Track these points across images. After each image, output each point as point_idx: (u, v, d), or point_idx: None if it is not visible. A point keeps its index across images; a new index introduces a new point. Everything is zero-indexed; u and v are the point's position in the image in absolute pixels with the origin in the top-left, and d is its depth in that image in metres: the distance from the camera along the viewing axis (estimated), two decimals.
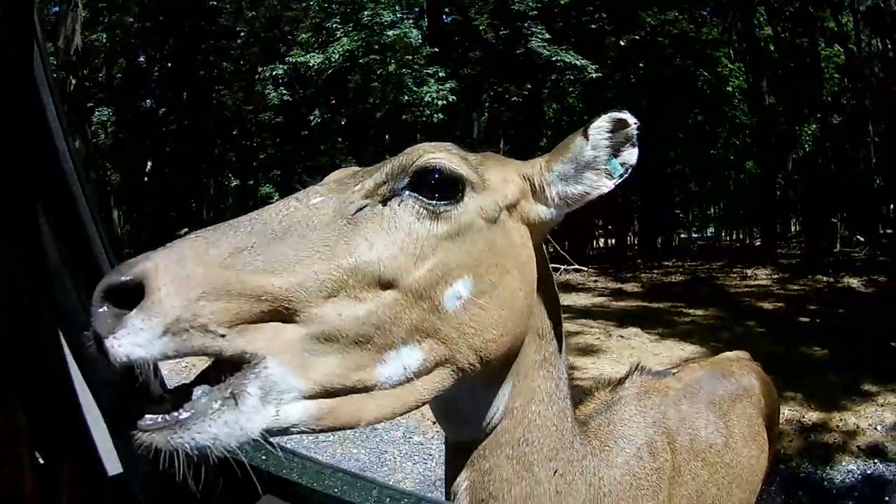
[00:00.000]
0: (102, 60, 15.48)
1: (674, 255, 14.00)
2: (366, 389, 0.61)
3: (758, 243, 15.62)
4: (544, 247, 0.81)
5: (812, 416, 4.17)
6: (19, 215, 0.74)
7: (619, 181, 0.74)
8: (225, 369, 0.57)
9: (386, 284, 0.62)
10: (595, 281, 11.54)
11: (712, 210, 16.52)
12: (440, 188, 0.67)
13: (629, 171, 0.74)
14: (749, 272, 11.81)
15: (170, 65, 13.42)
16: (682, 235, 16.68)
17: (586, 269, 12.15)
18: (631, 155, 0.74)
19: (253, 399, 0.56)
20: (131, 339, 0.53)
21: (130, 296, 0.54)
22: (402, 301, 0.63)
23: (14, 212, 0.73)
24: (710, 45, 15.02)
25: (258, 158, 11.51)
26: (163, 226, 11.83)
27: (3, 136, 0.72)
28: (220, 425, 0.55)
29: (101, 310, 0.54)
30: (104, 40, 15.73)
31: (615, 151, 0.75)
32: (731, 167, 15.45)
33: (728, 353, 1.71)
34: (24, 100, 0.74)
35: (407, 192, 0.67)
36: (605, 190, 0.75)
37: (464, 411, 0.76)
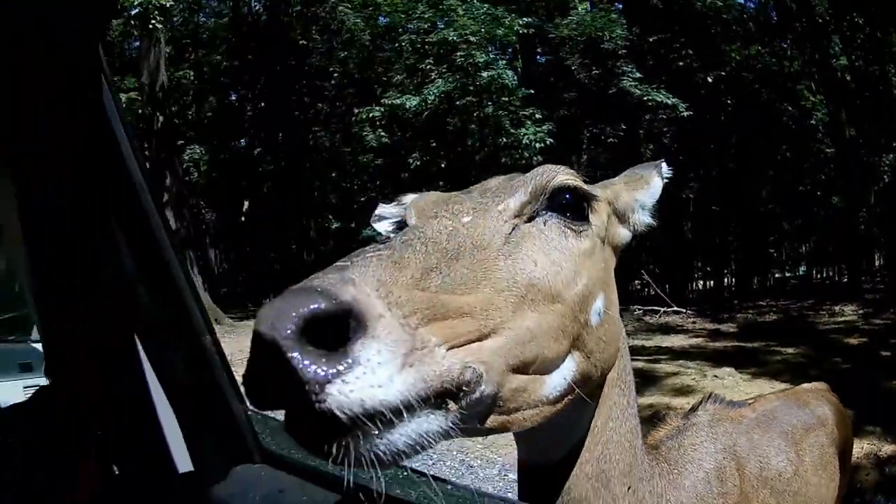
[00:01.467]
0: (191, 98, 15.92)
1: (768, 295, 13.83)
2: (535, 402, 0.63)
3: (845, 279, 15.35)
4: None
5: (888, 448, 4.16)
6: (97, 228, 0.82)
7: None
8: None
9: (553, 298, 0.65)
10: (693, 322, 11.67)
11: (803, 248, 16.24)
12: (572, 208, 0.71)
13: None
14: (837, 308, 11.86)
15: (263, 104, 13.71)
16: (777, 275, 16.47)
17: (685, 310, 12.09)
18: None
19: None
20: (368, 380, 0.44)
21: (333, 330, 0.44)
22: (567, 314, 0.66)
23: (91, 225, 0.82)
24: (793, 78, 14.83)
25: (359, 201, 11.65)
26: (260, 266, 11.93)
27: (77, 161, 0.79)
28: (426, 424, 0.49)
29: (297, 353, 0.42)
30: (191, 77, 16.19)
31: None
32: (818, 203, 15.19)
33: (806, 385, 1.75)
34: (94, 124, 0.79)
35: (548, 212, 0.70)
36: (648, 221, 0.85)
37: (556, 431, 0.75)
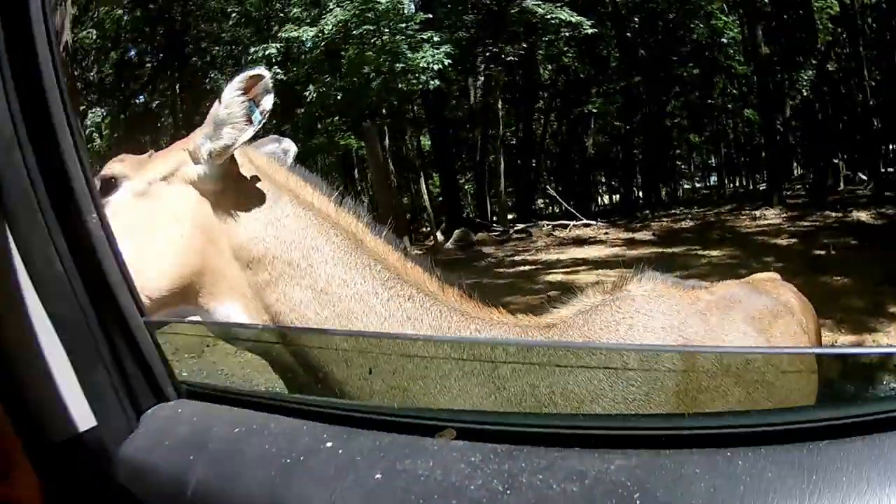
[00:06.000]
0: (93, 59, 15.25)
1: (680, 204, 14.03)
2: None
3: (762, 187, 15.74)
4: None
5: (845, 339, 4.16)
6: None
7: (259, 125, 0.87)
8: None
9: None
10: (606, 233, 11.50)
11: (712, 159, 16.68)
12: (106, 186, 0.90)
13: (267, 114, 0.87)
14: (758, 213, 11.79)
15: (161, 55, 13.24)
16: (686, 186, 16.90)
17: (595, 222, 12.11)
18: (268, 101, 0.87)
19: None
20: None
21: None
22: None
23: None
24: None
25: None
26: None
27: None
28: None
29: None
30: (94, 37, 15.47)
31: (257, 102, 0.87)
32: (729, 116, 15.50)
33: (760, 274, 1.59)
34: None
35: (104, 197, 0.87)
36: (247, 136, 0.87)
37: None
